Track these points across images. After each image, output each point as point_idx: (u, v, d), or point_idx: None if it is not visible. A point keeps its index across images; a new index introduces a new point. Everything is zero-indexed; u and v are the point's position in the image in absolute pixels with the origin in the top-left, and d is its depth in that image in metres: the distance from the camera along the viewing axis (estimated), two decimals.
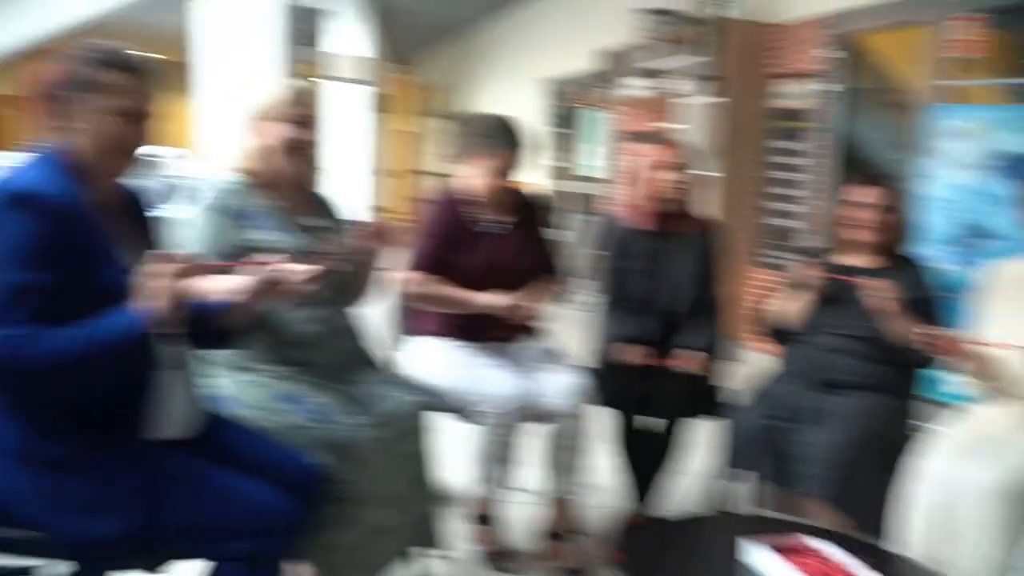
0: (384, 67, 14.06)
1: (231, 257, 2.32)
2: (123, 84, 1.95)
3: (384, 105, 15.64)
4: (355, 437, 2.42)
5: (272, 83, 2.67)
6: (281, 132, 2.51)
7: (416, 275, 3.00)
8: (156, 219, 2.17)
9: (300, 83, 2.56)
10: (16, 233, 1.81)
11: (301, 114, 2.53)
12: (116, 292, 1.87)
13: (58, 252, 1.85)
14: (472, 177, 3.00)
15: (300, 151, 2.53)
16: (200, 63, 5.74)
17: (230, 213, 2.46)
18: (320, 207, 2.67)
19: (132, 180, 2.12)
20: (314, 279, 2.15)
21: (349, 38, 10.40)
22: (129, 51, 1.97)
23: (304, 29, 13.36)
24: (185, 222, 2.42)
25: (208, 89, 5.71)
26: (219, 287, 2.03)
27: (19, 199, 1.83)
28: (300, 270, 2.11)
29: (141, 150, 2.00)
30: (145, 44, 2.13)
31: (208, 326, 2.08)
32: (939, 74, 4.47)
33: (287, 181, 2.55)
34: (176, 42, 7.05)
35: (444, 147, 12.12)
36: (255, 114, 2.53)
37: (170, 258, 1.86)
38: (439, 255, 3.01)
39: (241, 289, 2.02)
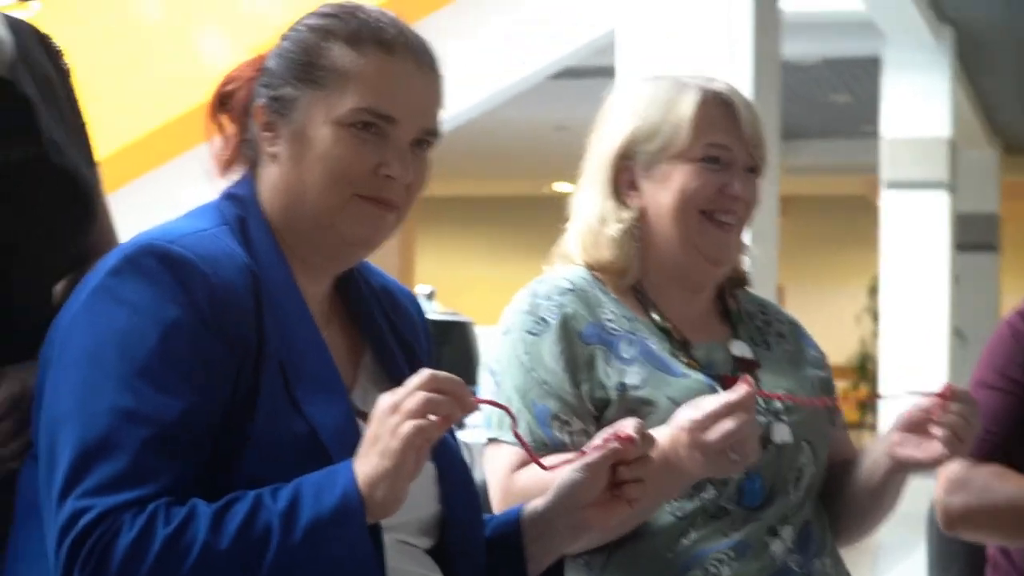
0: (988, 161, 12.90)
1: (577, 414, 2.21)
2: (375, 71, 1.79)
3: (991, 234, 14.50)
4: None
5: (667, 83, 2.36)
6: (687, 178, 2.27)
7: (971, 471, 2.67)
8: (428, 343, 2.07)
9: (729, 87, 2.31)
10: (142, 318, 1.65)
11: (731, 143, 2.28)
12: (332, 449, 1.69)
13: (219, 362, 1.68)
14: None
15: (722, 216, 2.30)
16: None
17: (576, 336, 2.25)
18: (760, 320, 2.45)
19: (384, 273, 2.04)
20: (744, 450, 1.96)
21: (912, 108, 10.00)
22: (388, 19, 1.84)
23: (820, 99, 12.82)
24: (493, 356, 2.32)
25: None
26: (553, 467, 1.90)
27: (158, 259, 1.68)
28: (720, 432, 1.94)
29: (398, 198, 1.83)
30: None
31: (518, 553, 1.92)
32: None
33: (687, 274, 2.34)
34: None
35: None
36: (631, 140, 2.31)
37: (439, 384, 1.62)
38: None
39: (587, 474, 1.83)
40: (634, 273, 2.33)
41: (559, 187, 21.32)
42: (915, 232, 10.23)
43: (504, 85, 8.89)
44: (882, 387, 9.96)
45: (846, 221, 18.08)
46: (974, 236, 13.58)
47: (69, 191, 2.01)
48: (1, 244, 1.94)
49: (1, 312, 1.96)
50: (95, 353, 1.65)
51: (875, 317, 15.35)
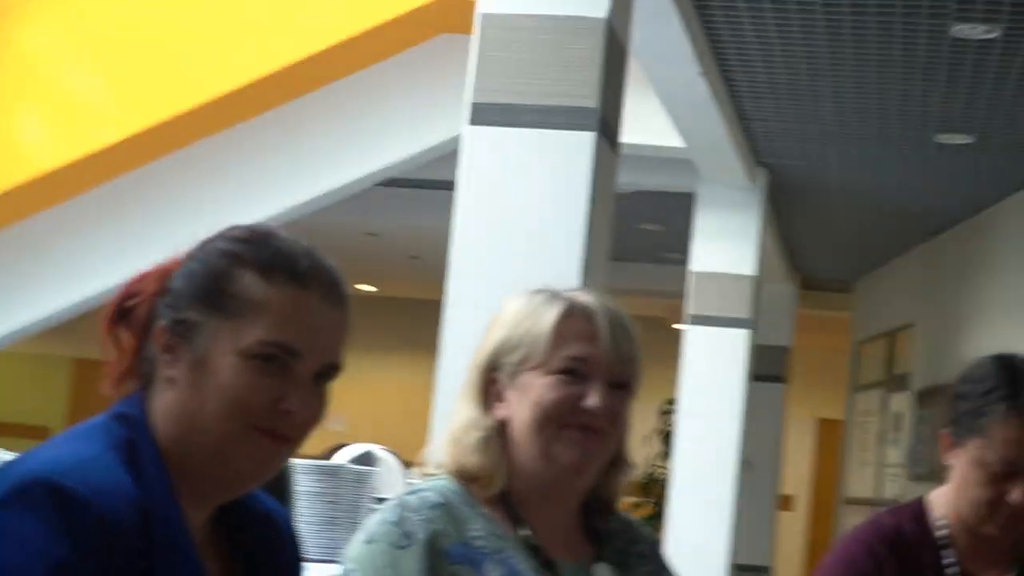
0: (784, 296, 13.24)
1: None
2: (286, 304, 1.76)
3: (781, 366, 14.88)
4: None
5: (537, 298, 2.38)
6: (542, 390, 2.30)
7: None
8: (298, 568, 2.03)
9: (597, 301, 2.35)
10: (29, 557, 1.56)
11: (590, 356, 2.30)
12: None
13: None
14: (959, 489, 2.82)
15: (577, 425, 2.31)
16: (456, 287, 5.19)
17: (441, 555, 2.23)
18: (623, 540, 2.47)
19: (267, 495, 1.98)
20: None
21: (721, 244, 10.20)
22: (302, 249, 1.83)
23: (640, 228, 13.04)
24: (353, 560, 2.25)
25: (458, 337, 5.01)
26: None
27: (48, 494, 1.61)
28: None
29: (292, 430, 1.79)
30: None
31: None
32: None
33: (548, 485, 2.36)
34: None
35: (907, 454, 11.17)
36: (497, 351, 2.36)
37: None
38: None
39: None
40: (500, 482, 2.33)
41: (361, 287, 21.26)
42: (715, 364, 10.36)
43: (326, 190, 8.72)
44: (671, 507, 9.97)
45: (644, 342, 18.30)
46: (766, 368, 13.89)
47: None
48: None
49: None
50: None
51: (664, 438, 15.52)
